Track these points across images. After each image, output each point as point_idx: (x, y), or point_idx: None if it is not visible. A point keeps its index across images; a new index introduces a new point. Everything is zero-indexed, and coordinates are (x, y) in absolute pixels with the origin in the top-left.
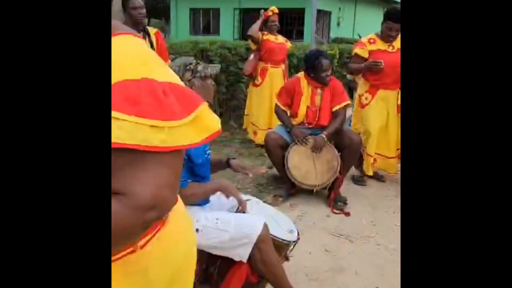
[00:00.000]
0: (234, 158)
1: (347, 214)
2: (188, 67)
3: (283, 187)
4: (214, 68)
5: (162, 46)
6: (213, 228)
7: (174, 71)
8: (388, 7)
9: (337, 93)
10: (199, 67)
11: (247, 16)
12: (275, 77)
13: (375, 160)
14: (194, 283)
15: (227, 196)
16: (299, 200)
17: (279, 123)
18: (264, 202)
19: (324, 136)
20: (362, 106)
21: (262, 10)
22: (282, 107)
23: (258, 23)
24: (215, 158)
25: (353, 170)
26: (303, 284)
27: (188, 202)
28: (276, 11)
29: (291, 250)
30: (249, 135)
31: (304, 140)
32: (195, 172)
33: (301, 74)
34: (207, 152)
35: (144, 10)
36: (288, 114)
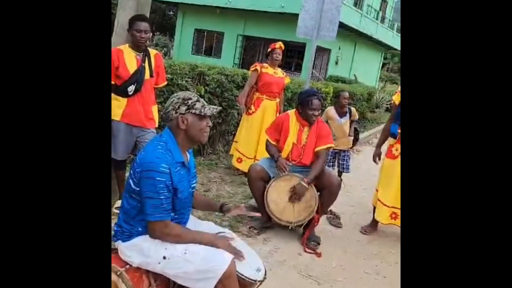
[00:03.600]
0: (227, 204)
1: (319, 255)
2: (186, 102)
3: (260, 220)
4: (212, 109)
5: (160, 67)
6: (180, 257)
7: (172, 102)
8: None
9: (322, 135)
10: (197, 105)
11: (249, 43)
12: (268, 109)
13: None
14: None
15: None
16: (274, 234)
17: (266, 155)
18: (239, 232)
19: (305, 183)
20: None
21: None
22: (271, 141)
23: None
24: (207, 198)
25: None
26: None
27: (174, 241)
28: (283, 46)
29: None
30: (233, 161)
31: (285, 170)
32: (177, 206)
33: (291, 112)
34: (193, 186)
35: (147, 35)
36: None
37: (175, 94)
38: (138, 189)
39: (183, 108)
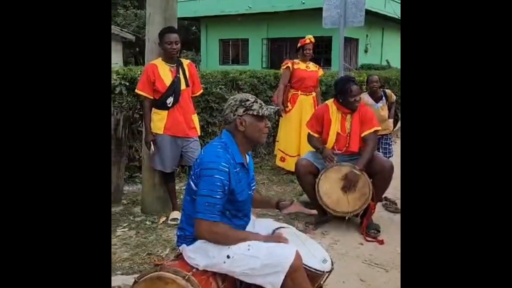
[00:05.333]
0: (284, 201)
1: (381, 242)
2: (243, 103)
3: (314, 214)
4: (270, 110)
5: (195, 76)
6: (244, 254)
7: (230, 104)
8: None
9: (366, 119)
10: (255, 106)
11: (275, 45)
12: (305, 104)
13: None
14: None
15: None
16: (331, 227)
17: (309, 149)
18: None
19: (357, 171)
20: None
21: None
22: (312, 133)
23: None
24: (263, 196)
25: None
26: None
27: (220, 241)
28: (313, 40)
29: (325, 280)
30: (276, 161)
31: (333, 160)
32: (238, 208)
33: (329, 102)
34: (252, 188)
35: (178, 46)
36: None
37: (232, 97)
38: (197, 189)
39: (240, 110)
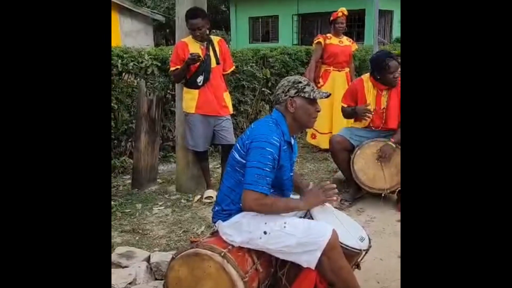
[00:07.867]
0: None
1: None
2: (295, 85)
3: (349, 191)
4: (322, 94)
5: (226, 53)
6: (280, 231)
7: (283, 84)
8: None
9: None
10: (307, 89)
11: (305, 21)
12: (337, 80)
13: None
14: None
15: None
16: (367, 204)
17: (342, 126)
18: None
19: (392, 143)
20: None
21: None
22: (346, 106)
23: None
24: (299, 180)
25: None
26: None
27: (268, 212)
28: (346, 12)
29: (362, 258)
30: (307, 138)
31: (367, 112)
32: (281, 185)
33: (365, 77)
34: (293, 168)
35: (202, 30)
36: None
37: (286, 78)
38: (244, 161)
39: (292, 91)
